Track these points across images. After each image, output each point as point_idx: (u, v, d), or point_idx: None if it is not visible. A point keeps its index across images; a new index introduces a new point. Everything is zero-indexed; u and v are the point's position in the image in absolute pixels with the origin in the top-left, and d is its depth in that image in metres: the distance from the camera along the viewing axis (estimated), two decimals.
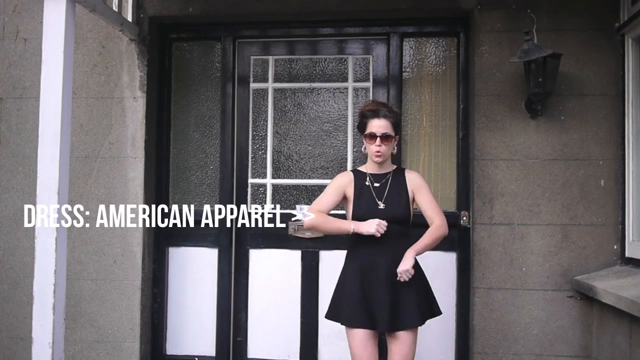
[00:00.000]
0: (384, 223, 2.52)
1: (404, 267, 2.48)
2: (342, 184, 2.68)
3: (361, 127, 2.68)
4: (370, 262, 2.56)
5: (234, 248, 3.54)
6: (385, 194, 2.63)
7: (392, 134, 2.61)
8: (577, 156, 3.11)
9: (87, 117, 3.43)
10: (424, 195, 2.65)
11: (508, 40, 3.15)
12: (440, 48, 3.48)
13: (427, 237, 2.58)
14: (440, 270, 3.34)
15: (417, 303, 2.55)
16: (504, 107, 3.16)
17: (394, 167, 2.74)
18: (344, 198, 2.69)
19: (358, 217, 2.61)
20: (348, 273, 2.63)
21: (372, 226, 2.51)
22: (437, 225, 2.61)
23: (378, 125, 2.59)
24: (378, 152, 2.60)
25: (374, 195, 2.62)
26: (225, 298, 3.49)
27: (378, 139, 2.58)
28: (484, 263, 3.13)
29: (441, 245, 3.33)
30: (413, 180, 2.68)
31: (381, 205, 2.58)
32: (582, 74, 3.12)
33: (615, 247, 3.07)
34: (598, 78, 3.11)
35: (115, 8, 3.19)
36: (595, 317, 3.02)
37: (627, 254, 3.02)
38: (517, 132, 3.15)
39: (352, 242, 2.67)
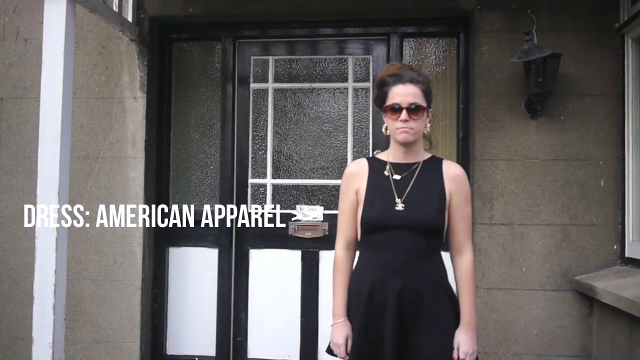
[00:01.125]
0: (341, 348, 1.97)
1: (468, 351, 1.91)
2: (349, 180, 2.05)
3: (380, 98, 2.03)
4: (381, 288, 1.91)
5: (234, 248, 3.54)
6: (409, 189, 1.96)
7: (424, 104, 1.98)
8: (577, 156, 3.11)
9: (87, 117, 3.43)
10: (463, 205, 2.00)
11: (508, 40, 3.15)
12: (440, 48, 3.48)
13: (470, 292, 1.98)
14: None
15: (440, 349, 1.91)
16: (504, 107, 3.16)
17: (429, 155, 2.09)
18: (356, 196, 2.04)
19: (368, 222, 1.97)
20: (353, 299, 2.01)
21: (334, 338, 2.00)
22: (470, 263, 2.01)
23: (404, 94, 1.95)
24: (405, 129, 1.94)
25: (394, 190, 1.97)
26: (226, 298, 3.49)
27: (404, 111, 1.94)
28: (484, 263, 3.13)
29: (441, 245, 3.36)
30: (455, 178, 2.02)
31: (399, 206, 1.93)
32: (582, 74, 3.12)
33: (615, 247, 3.07)
34: (598, 78, 3.12)
35: (115, 8, 3.19)
36: (595, 317, 3.02)
37: (627, 254, 3.02)
38: (517, 132, 3.15)
39: (360, 255, 2.05)
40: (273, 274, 3.52)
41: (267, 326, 3.51)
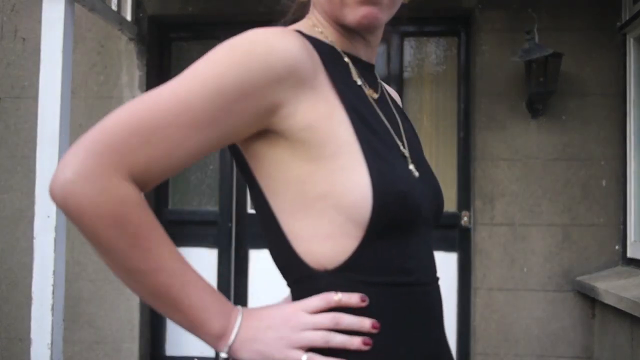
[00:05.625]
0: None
1: None
2: (296, 62, 0.79)
3: None
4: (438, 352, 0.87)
5: (234, 248, 3.53)
6: (402, 129, 0.92)
7: None
8: (578, 156, 3.10)
9: (86, 116, 3.41)
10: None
11: (509, 39, 3.14)
12: (441, 47, 3.47)
13: None
14: (440, 271, 3.31)
15: None
16: (504, 107, 3.15)
17: None
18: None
19: (405, 205, 0.80)
20: None
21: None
22: None
23: None
24: None
25: (388, 127, 0.87)
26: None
27: None
28: (484, 263, 3.12)
29: (442, 245, 3.36)
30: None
31: (413, 169, 0.86)
32: (583, 73, 3.11)
33: (616, 247, 3.05)
34: (599, 77, 3.10)
35: (114, 7, 3.17)
36: (597, 318, 3.01)
37: (628, 255, 3.00)
38: (518, 132, 3.13)
39: (386, 304, 0.84)
40: (273, 274, 3.48)
41: None
